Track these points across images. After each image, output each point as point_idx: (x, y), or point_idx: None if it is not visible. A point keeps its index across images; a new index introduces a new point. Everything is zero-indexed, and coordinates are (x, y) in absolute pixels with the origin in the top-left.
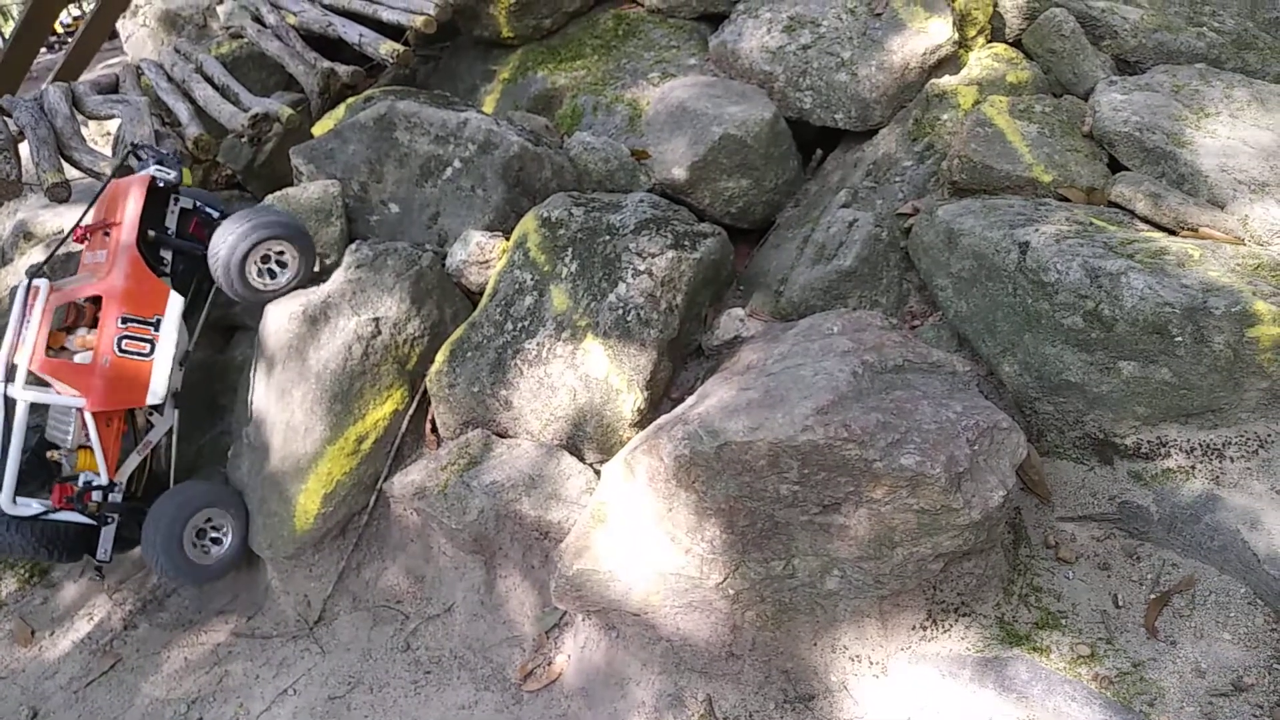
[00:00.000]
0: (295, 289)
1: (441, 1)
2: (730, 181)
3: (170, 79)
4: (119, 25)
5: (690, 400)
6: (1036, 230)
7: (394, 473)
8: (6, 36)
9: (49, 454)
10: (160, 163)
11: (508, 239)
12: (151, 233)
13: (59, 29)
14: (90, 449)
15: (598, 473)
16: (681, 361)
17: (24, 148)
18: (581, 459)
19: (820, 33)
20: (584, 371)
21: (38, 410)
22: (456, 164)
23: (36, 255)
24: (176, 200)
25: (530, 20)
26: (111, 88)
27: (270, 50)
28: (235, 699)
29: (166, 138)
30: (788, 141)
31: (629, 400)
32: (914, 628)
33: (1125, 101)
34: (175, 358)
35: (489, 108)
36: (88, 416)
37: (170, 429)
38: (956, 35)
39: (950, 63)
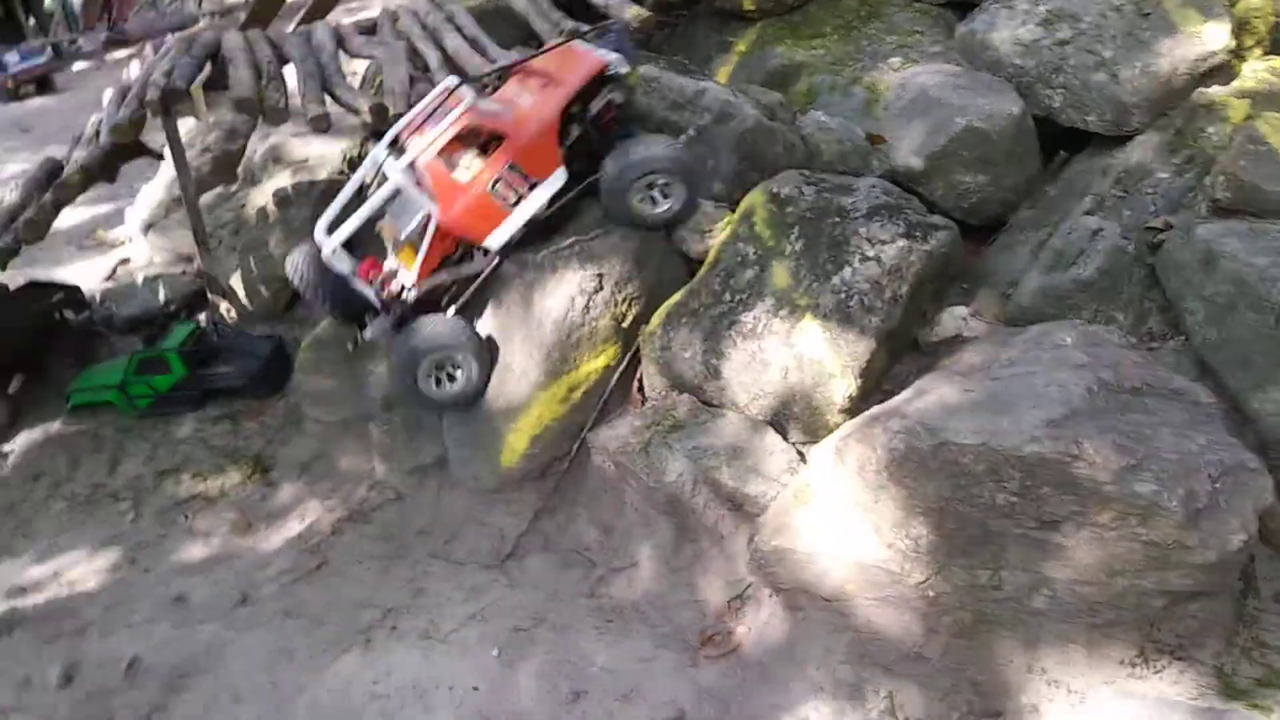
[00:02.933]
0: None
1: None
2: (967, 175)
3: (424, 26)
4: None
5: (906, 394)
6: None
7: (598, 425)
8: None
9: (379, 226)
10: (620, 51)
11: (733, 210)
12: (576, 108)
13: None
14: (415, 250)
15: (800, 454)
16: (896, 354)
17: (290, 78)
18: (785, 437)
19: (1080, 29)
20: (798, 351)
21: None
22: (690, 132)
23: (285, 179)
24: (610, 90)
25: None
26: (370, 30)
27: (518, 6)
28: (427, 615)
29: (419, 81)
30: (1032, 140)
31: (842, 386)
32: (1123, 662)
33: None
34: (528, 219)
35: (722, 78)
36: (432, 225)
37: (479, 273)
38: (1233, 44)
39: (1222, 72)
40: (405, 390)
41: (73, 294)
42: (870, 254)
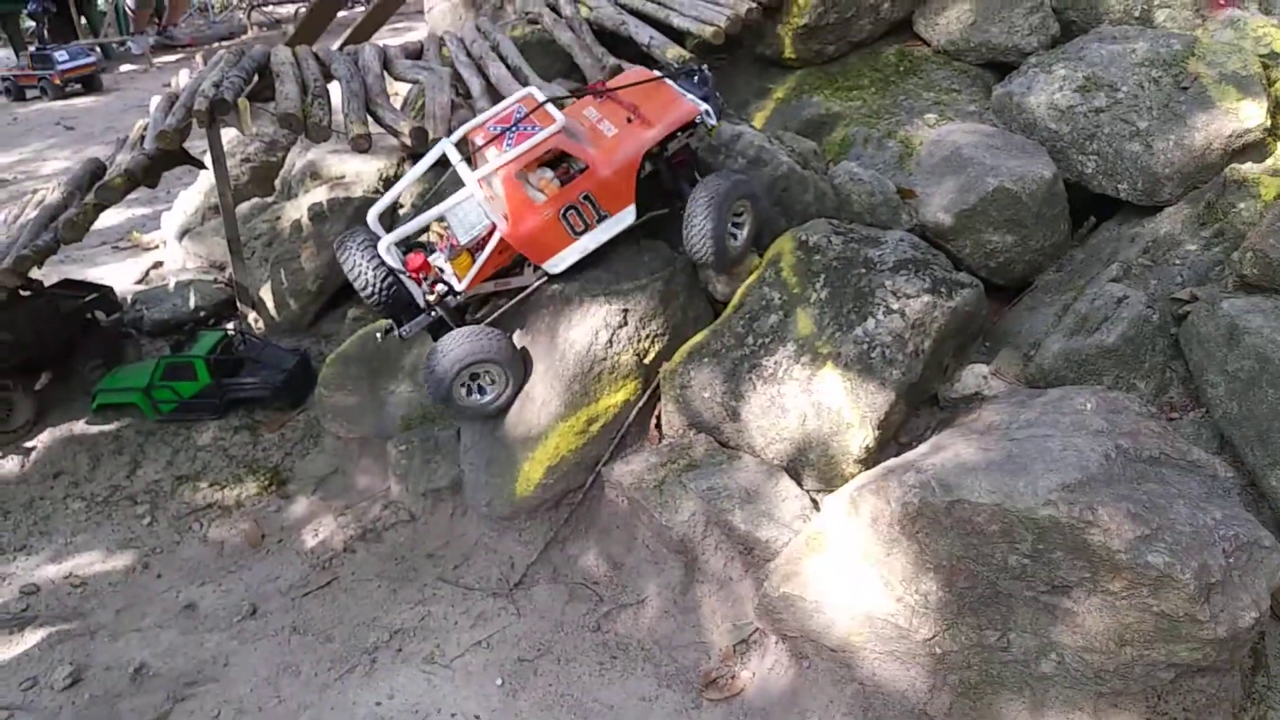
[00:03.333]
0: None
1: (733, 15)
2: (995, 235)
3: (469, 54)
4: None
5: (923, 449)
6: None
7: (615, 459)
8: None
9: (436, 227)
10: (708, 101)
11: (761, 255)
12: (656, 149)
13: None
14: (473, 258)
15: (814, 501)
16: (915, 408)
17: (334, 98)
18: (799, 484)
19: (1117, 98)
20: (817, 399)
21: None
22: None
23: (321, 194)
24: (689, 135)
25: (815, 44)
26: (416, 54)
27: (562, 39)
28: (433, 639)
29: (460, 108)
30: (1062, 204)
31: (859, 436)
32: None
33: None
34: (586, 249)
35: (758, 123)
36: (496, 238)
37: (523, 289)
38: (1268, 122)
39: (1256, 149)
40: (438, 393)
41: (105, 295)
42: (895, 307)
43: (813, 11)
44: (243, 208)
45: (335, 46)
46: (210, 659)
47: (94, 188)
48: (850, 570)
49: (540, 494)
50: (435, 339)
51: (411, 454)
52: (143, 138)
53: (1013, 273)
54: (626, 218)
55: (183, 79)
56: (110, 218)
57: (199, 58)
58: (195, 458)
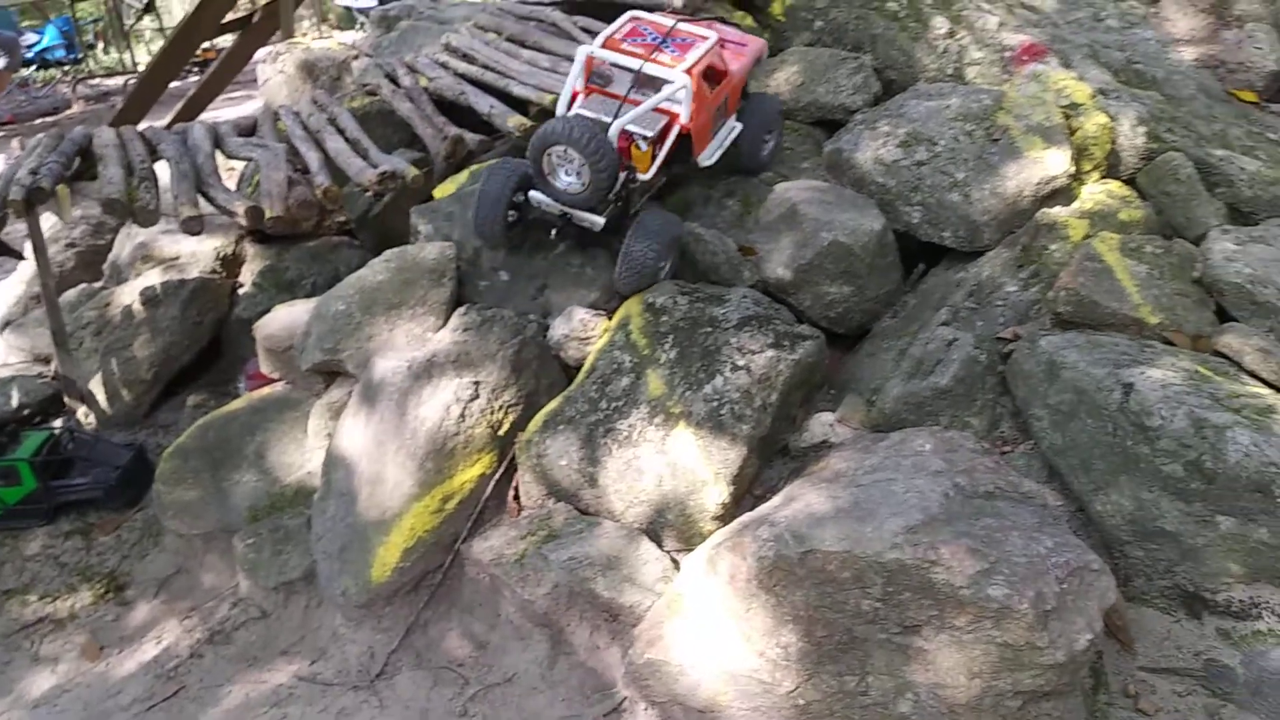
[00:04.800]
0: None
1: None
2: (833, 287)
3: (305, 127)
4: (257, 70)
5: (776, 501)
6: (1142, 373)
7: (474, 535)
8: (139, 64)
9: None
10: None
11: (610, 318)
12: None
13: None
14: (654, 150)
15: (675, 561)
16: (768, 460)
17: (162, 178)
18: (660, 545)
19: (936, 151)
20: (673, 459)
21: None
22: (568, 239)
23: (154, 276)
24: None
25: None
26: (250, 130)
27: (401, 110)
28: None
29: (297, 184)
30: (893, 253)
31: (714, 493)
32: None
33: (1238, 252)
34: (722, 145)
35: None
36: (676, 129)
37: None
38: (1072, 168)
39: (1063, 194)
40: (655, 266)
41: None
42: (741, 363)
43: None
44: (69, 295)
45: (166, 121)
46: None
47: None
48: (712, 630)
49: (398, 578)
50: (563, 235)
51: (260, 546)
52: None
53: (851, 322)
54: (736, 126)
55: None
56: None
57: (15, 143)
58: (23, 569)
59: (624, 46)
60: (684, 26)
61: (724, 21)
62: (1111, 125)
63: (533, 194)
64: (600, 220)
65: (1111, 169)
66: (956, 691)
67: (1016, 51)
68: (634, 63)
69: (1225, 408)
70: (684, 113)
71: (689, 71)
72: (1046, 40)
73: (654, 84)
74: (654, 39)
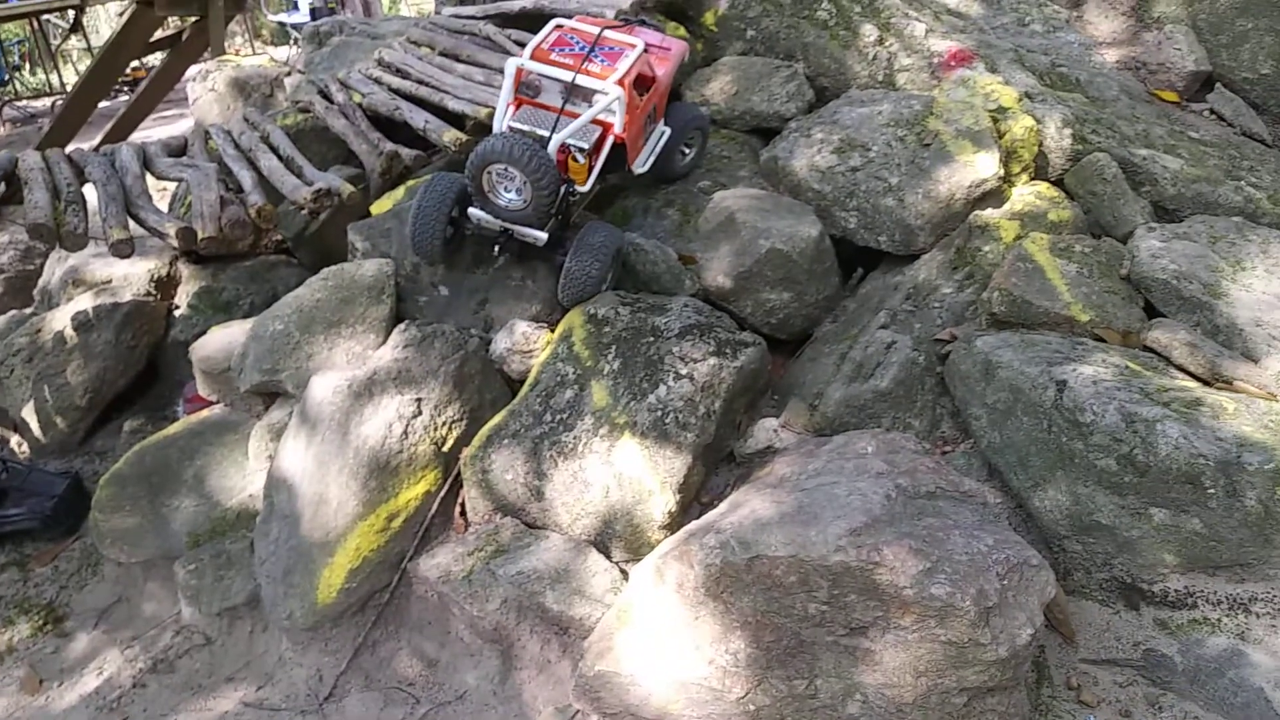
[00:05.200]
0: None
1: None
2: (773, 293)
3: (237, 146)
4: (188, 88)
5: (722, 508)
6: (1074, 370)
7: (420, 553)
8: (67, 85)
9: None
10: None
11: (552, 330)
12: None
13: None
14: (590, 162)
15: (624, 572)
16: (714, 467)
17: (90, 200)
18: (608, 557)
19: (870, 157)
20: (618, 470)
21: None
22: (508, 254)
23: (86, 301)
24: None
25: None
26: (180, 150)
27: (335, 127)
28: None
29: (230, 204)
30: (831, 259)
31: (661, 502)
32: None
33: (1164, 249)
34: (655, 152)
35: None
36: (610, 140)
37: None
38: (1002, 171)
39: (994, 196)
40: (602, 274)
41: None
42: (684, 372)
43: None
44: None
45: (94, 143)
46: None
47: None
48: (661, 639)
49: (344, 599)
50: (505, 250)
51: (202, 572)
52: None
53: (792, 327)
54: (665, 132)
55: None
56: None
57: None
58: None
59: (553, 57)
60: (610, 34)
61: (644, 24)
62: (1038, 128)
63: (472, 211)
64: (543, 235)
65: (1040, 171)
66: (903, 691)
67: (944, 57)
68: (565, 74)
69: (1155, 402)
70: (618, 123)
71: (620, 82)
72: (973, 46)
73: (586, 94)
74: (582, 48)
